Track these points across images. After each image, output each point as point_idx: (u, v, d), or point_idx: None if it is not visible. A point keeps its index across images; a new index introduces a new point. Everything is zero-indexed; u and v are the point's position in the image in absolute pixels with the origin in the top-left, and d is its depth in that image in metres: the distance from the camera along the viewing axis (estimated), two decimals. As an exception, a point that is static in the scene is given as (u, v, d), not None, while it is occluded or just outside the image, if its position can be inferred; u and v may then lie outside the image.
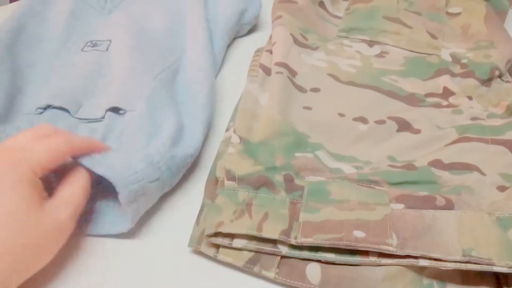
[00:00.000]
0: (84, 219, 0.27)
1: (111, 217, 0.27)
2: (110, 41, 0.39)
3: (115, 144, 0.30)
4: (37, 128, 0.26)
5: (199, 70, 0.36)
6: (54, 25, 0.40)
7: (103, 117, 0.33)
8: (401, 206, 0.26)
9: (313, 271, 0.25)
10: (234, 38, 0.45)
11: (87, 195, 0.26)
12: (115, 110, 0.33)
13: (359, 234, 0.24)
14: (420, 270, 0.24)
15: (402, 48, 0.40)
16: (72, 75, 0.35)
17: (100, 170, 0.25)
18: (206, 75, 0.36)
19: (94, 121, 0.33)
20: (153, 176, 0.27)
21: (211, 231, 0.25)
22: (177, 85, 0.36)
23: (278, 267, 0.25)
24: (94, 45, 0.39)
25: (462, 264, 0.23)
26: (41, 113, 0.33)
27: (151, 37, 0.40)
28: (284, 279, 0.25)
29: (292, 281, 0.24)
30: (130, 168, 0.26)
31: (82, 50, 0.38)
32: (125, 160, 0.26)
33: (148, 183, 0.26)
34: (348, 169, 0.30)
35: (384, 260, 0.24)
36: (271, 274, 0.25)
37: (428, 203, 0.26)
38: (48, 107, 0.33)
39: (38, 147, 0.24)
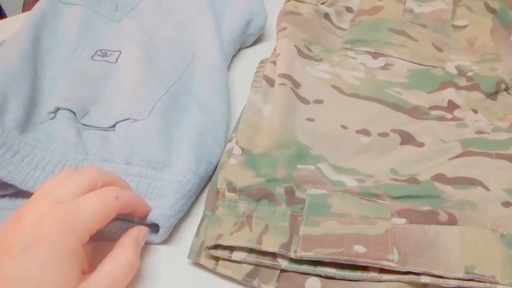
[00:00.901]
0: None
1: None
2: (120, 52, 0.39)
3: (129, 154, 0.30)
4: (85, 173, 0.24)
5: (214, 72, 0.37)
6: (65, 35, 0.40)
7: (111, 127, 0.33)
8: (403, 220, 0.26)
9: (313, 285, 0.24)
10: (239, 49, 0.46)
11: (131, 274, 0.24)
12: (125, 119, 0.33)
13: (359, 249, 0.24)
14: (422, 287, 0.24)
15: (406, 61, 0.40)
16: (81, 81, 0.36)
17: (148, 219, 0.26)
18: (222, 79, 0.36)
19: (104, 129, 0.33)
20: (187, 203, 0.28)
21: (211, 243, 0.25)
22: (193, 89, 0.36)
23: (277, 281, 0.25)
24: (104, 55, 0.39)
25: (465, 281, 0.22)
26: (53, 118, 0.33)
27: (161, 47, 0.40)
28: (283, 293, 0.24)
29: (291, 296, 0.24)
30: (169, 208, 0.27)
31: (91, 58, 0.39)
32: (160, 197, 0.27)
33: (182, 210, 0.28)
34: (350, 182, 0.29)
35: (385, 276, 0.24)
36: (270, 288, 0.25)
37: (430, 218, 0.26)
38: (57, 110, 0.33)
39: (87, 207, 0.22)
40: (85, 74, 0.36)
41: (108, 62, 0.38)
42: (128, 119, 0.32)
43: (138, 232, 0.25)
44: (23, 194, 0.28)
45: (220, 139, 0.32)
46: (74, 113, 0.33)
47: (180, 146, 0.31)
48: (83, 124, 0.33)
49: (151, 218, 0.26)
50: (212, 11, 0.43)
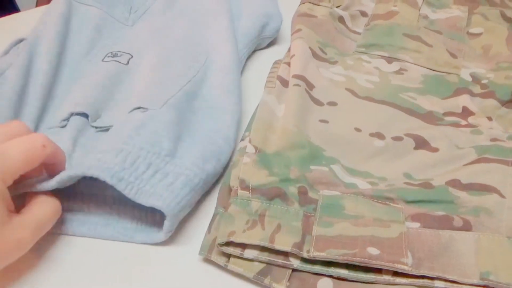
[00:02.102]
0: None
1: (144, 227, 0.28)
2: (131, 56, 0.39)
3: (130, 133, 0.28)
4: (10, 124, 0.25)
5: (226, 73, 0.36)
6: (78, 37, 0.40)
7: None
8: (417, 225, 0.26)
9: (325, 286, 0.24)
10: (253, 51, 0.46)
11: (54, 219, 0.25)
12: (136, 109, 0.32)
13: (373, 251, 0.24)
14: (435, 292, 0.23)
15: (421, 66, 0.40)
16: (92, 84, 0.35)
17: (150, 202, 0.25)
18: (234, 80, 0.36)
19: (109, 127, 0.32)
20: (194, 197, 0.28)
21: (223, 240, 0.25)
22: (204, 91, 0.36)
23: (289, 280, 0.25)
24: (114, 56, 0.39)
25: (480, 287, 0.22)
26: (64, 126, 0.32)
27: (174, 48, 0.39)
28: (295, 293, 0.24)
29: (303, 296, 0.24)
30: (176, 196, 0.26)
31: (102, 60, 0.38)
32: (168, 185, 0.26)
33: (190, 206, 0.27)
34: (363, 184, 0.29)
35: (399, 280, 0.23)
36: (281, 287, 0.24)
37: (445, 223, 0.26)
38: (71, 116, 0.33)
39: (12, 151, 0.23)
40: (96, 77, 0.36)
41: (119, 62, 0.38)
42: (139, 108, 0.32)
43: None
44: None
45: (230, 138, 0.32)
46: (87, 117, 0.33)
47: (188, 143, 0.30)
48: (94, 126, 0.33)
49: (158, 204, 0.25)
50: (227, 13, 0.43)
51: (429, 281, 0.23)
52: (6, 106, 0.31)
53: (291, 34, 0.42)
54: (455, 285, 0.23)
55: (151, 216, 0.28)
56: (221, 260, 0.26)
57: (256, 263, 0.25)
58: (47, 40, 0.37)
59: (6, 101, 0.31)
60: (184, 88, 0.34)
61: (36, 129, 0.33)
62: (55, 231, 0.27)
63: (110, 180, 0.25)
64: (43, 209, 0.25)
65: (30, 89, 0.34)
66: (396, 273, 0.24)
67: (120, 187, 0.25)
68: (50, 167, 0.27)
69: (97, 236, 0.28)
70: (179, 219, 0.27)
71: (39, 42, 0.37)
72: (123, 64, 0.38)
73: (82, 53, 0.39)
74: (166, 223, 0.26)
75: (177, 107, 0.32)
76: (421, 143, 0.32)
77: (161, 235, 0.27)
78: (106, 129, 0.32)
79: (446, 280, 0.23)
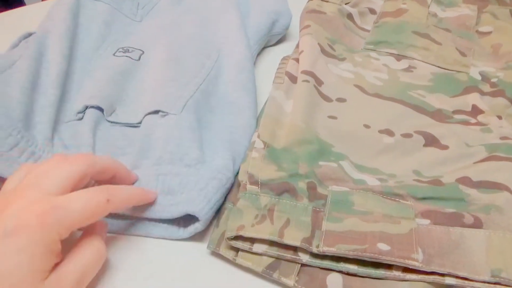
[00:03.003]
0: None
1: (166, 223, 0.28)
2: (143, 51, 0.39)
3: (156, 147, 0.30)
4: (75, 161, 0.23)
5: (240, 70, 0.36)
6: (87, 32, 0.40)
7: (139, 123, 0.32)
8: (427, 221, 0.26)
9: (335, 281, 0.24)
10: (262, 48, 0.46)
11: (99, 264, 0.24)
12: (155, 112, 0.32)
13: (383, 247, 0.24)
14: (445, 289, 0.23)
15: (430, 64, 0.40)
16: (105, 78, 0.35)
17: (184, 210, 0.26)
18: (249, 76, 0.36)
19: (130, 126, 0.32)
20: (222, 199, 0.28)
21: (232, 234, 0.25)
22: (221, 88, 0.36)
23: (297, 275, 0.25)
24: (126, 51, 0.39)
25: (491, 285, 0.22)
26: (81, 118, 0.32)
27: (184, 45, 0.39)
28: (304, 288, 0.24)
29: (311, 291, 0.24)
30: (209, 201, 0.26)
31: (113, 55, 0.38)
32: (200, 190, 0.27)
33: (218, 206, 0.28)
34: (371, 181, 0.29)
35: (409, 276, 0.23)
36: (290, 282, 0.24)
37: (455, 220, 0.25)
38: (85, 109, 0.33)
39: (75, 205, 0.22)
40: (108, 71, 0.36)
41: (131, 58, 0.38)
42: (158, 111, 0.32)
43: (100, 224, 0.25)
44: None
45: (251, 136, 0.32)
46: (102, 111, 0.33)
47: (214, 146, 0.30)
48: (110, 121, 0.33)
49: (191, 209, 0.26)
50: (236, 9, 0.43)
51: (440, 277, 0.23)
52: (20, 92, 0.31)
53: (300, 30, 0.41)
54: (465, 281, 0.22)
55: None
56: (230, 254, 0.26)
57: (265, 258, 0.25)
58: (58, 33, 0.37)
59: (19, 88, 0.31)
60: (201, 87, 0.34)
61: (55, 120, 0.32)
62: None
63: (154, 216, 0.26)
64: (85, 255, 0.23)
65: (44, 79, 0.33)
66: (406, 269, 0.24)
67: (159, 215, 0.26)
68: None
69: (113, 230, 0.27)
70: (209, 221, 0.27)
71: (49, 35, 0.37)
72: (135, 60, 0.38)
73: (92, 48, 0.39)
74: (197, 225, 0.26)
75: (196, 110, 0.32)
76: (430, 141, 0.32)
77: (182, 233, 0.27)
78: (122, 125, 0.32)
79: (456, 277, 0.23)
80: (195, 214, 0.25)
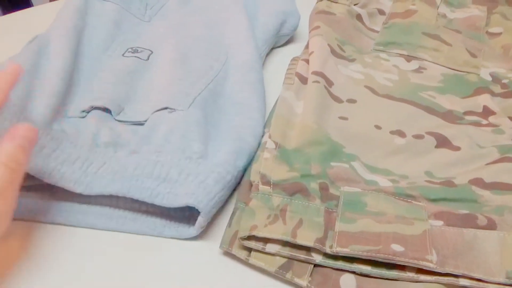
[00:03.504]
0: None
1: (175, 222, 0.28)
2: (151, 51, 0.39)
3: (159, 136, 0.30)
4: None
5: (249, 71, 0.36)
6: (96, 31, 0.40)
7: (146, 120, 0.32)
8: (440, 223, 0.26)
9: (348, 282, 0.24)
10: (270, 49, 0.46)
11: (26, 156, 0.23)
12: (162, 109, 0.32)
13: (397, 248, 0.24)
14: (459, 290, 0.23)
15: (440, 65, 0.40)
16: (113, 79, 0.35)
17: (184, 202, 0.26)
18: (257, 76, 0.36)
19: (137, 123, 0.32)
20: (226, 194, 0.28)
21: (246, 233, 0.25)
22: (228, 89, 0.36)
23: (311, 275, 0.25)
24: (135, 51, 0.39)
25: (506, 286, 0.22)
26: (84, 116, 0.32)
27: (193, 46, 0.39)
28: (317, 288, 0.24)
29: (325, 291, 0.24)
30: (209, 193, 0.26)
31: (122, 55, 0.38)
32: (200, 182, 0.27)
33: (221, 202, 0.28)
34: (383, 182, 0.29)
35: (423, 277, 0.23)
36: (303, 282, 0.24)
37: (468, 221, 0.25)
38: (91, 109, 0.33)
39: None
40: (117, 72, 0.36)
41: (140, 58, 0.38)
42: (166, 108, 0.32)
43: (7, 151, 0.23)
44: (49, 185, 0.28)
45: (258, 134, 0.32)
46: (109, 111, 0.33)
47: (218, 143, 0.30)
48: (118, 120, 0.33)
49: (190, 201, 0.26)
50: (243, 10, 0.43)
51: (454, 278, 0.23)
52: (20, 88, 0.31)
53: (309, 31, 0.42)
54: (480, 283, 0.22)
55: (180, 211, 0.28)
56: (242, 254, 0.26)
57: (278, 258, 0.25)
58: (63, 29, 0.37)
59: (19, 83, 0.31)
60: (209, 86, 0.34)
61: (55, 116, 0.32)
62: (84, 226, 0.28)
63: (148, 199, 0.26)
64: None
65: (45, 70, 0.33)
66: (420, 270, 0.24)
67: (157, 201, 0.26)
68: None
69: (125, 230, 0.28)
70: (212, 215, 0.27)
71: (53, 32, 0.37)
72: (144, 60, 0.38)
73: (101, 47, 0.39)
74: (200, 219, 0.26)
75: (203, 106, 0.32)
76: (442, 142, 0.32)
77: (192, 231, 0.27)
78: (130, 123, 0.32)
79: (471, 278, 0.23)
80: (195, 206, 0.25)
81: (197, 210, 0.26)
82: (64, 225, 0.28)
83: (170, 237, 0.27)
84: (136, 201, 0.28)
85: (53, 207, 0.28)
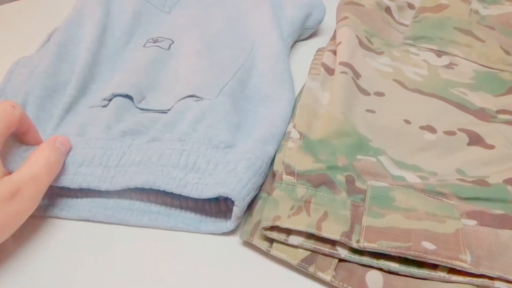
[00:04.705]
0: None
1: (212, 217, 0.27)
2: (172, 41, 0.38)
3: (184, 124, 0.29)
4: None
5: (275, 62, 0.35)
6: (118, 21, 0.39)
7: (169, 109, 0.31)
8: (473, 222, 0.24)
9: (375, 279, 0.23)
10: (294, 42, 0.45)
11: (50, 174, 0.25)
12: (188, 97, 0.31)
13: (428, 245, 0.22)
14: (493, 293, 0.22)
15: (472, 61, 0.38)
16: (135, 67, 0.35)
17: (215, 192, 0.25)
18: (285, 67, 0.35)
19: (160, 112, 0.31)
20: (258, 181, 0.27)
21: (269, 223, 0.24)
22: (255, 79, 0.35)
23: (335, 270, 0.24)
24: (155, 41, 0.38)
25: (545, 291, 0.21)
26: (106, 105, 0.32)
27: (216, 37, 0.38)
28: (341, 284, 0.23)
29: (350, 287, 0.23)
30: (240, 180, 0.25)
31: (143, 46, 0.38)
32: (231, 171, 0.26)
33: (255, 190, 0.27)
34: (411, 178, 0.28)
35: (455, 277, 0.22)
36: (327, 277, 0.23)
37: (504, 222, 0.24)
38: (113, 97, 0.32)
39: None
40: (138, 61, 0.35)
41: (161, 47, 0.37)
42: (192, 96, 0.31)
43: (56, 138, 0.27)
44: None
45: (287, 119, 0.31)
46: (131, 99, 0.32)
47: (246, 131, 0.29)
48: (140, 108, 0.32)
49: (222, 190, 0.24)
50: (267, 2, 0.42)
51: (489, 280, 0.22)
52: (46, 78, 0.31)
53: (337, 22, 0.40)
54: (517, 287, 0.21)
55: (215, 205, 0.27)
56: (264, 245, 0.25)
57: (301, 250, 0.24)
58: (89, 20, 0.37)
59: (45, 75, 0.31)
60: (236, 75, 0.33)
61: (76, 106, 0.32)
62: (113, 222, 0.27)
63: (175, 190, 0.25)
64: (36, 163, 0.24)
65: (71, 66, 0.33)
66: (451, 270, 0.22)
67: (186, 192, 0.25)
68: (24, 137, 0.27)
69: (158, 226, 0.27)
70: (247, 204, 0.26)
71: (80, 21, 0.37)
72: (165, 49, 0.37)
73: (123, 39, 0.39)
74: (235, 209, 0.25)
75: (231, 96, 0.31)
76: (475, 139, 0.30)
77: (229, 224, 0.26)
78: (153, 112, 0.32)
79: (508, 281, 0.21)
80: (227, 195, 0.24)
81: (231, 201, 0.25)
82: (92, 221, 0.27)
83: (207, 232, 0.26)
84: (168, 195, 0.27)
85: (80, 204, 0.27)
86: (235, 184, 0.25)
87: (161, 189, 0.25)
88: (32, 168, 0.24)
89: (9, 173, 0.24)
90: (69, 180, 0.26)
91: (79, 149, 0.28)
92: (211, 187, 0.25)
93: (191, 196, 0.25)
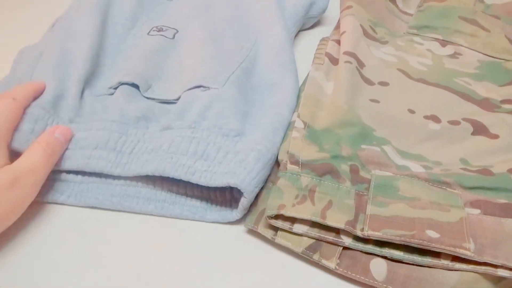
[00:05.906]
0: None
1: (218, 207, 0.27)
2: (177, 30, 0.38)
3: (194, 112, 0.29)
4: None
5: (279, 51, 0.35)
6: (121, 9, 0.39)
7: (176, 99, 0.31)
8: (477, 211, 0.25)
9: (378, 267, 0.23)
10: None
11: (35, 176, 0.25)
12: (195, 87, 0.31)
13: (432, 234, 0.23)
14: (496, 280, 0.22)
15: (477, 51, 0.38)
16: (140, 56, 0.35)
17: (224, 182, 0.25)
18: (289, 56, 0.35)
19: (168, 102, 0.31)
20: (267, 172, 0.27)
21: (273, 212, 0.24)
22: (260, 68, 0.35)
23: (339, 257, 0.24)
24: (160, 30, 0.38)
25: (548, 279, 0.21)
26: (112, 93, 0.32)
27: (221, 27, 0.38)
28: (345, 271, 0.23)
29: (354, 274, 0.23)
30: (250, 171, 0.25)
31: (148, 34, 0.38)
32: (241, 161, 0.26)
33: (263, 181, 0.27)
34: (416, 167, 0.28)
35: (458, 265, 0.22)
36: (331, 265, 0.24)
37: (507, 211, 0.24)
38: (119, 85, 0.32)
39: None
40: (143, 49, 0.35)
41: (165, 37, 0.37)
42: (199, 86, 0.31)
43: (56, 128, 0.27)
44: None
45: (293, 108, 0.31)
46: (137, 87, 0.32)
47: (254, 120, 0.29)
48: (146, 97, 0.32)
49: (232, 181, 0.24)
50: None
51: (492, 268, 0.22)
52: (52, 69, 0.31)
53: (341, 11, 0.40)
54: (520, 275, 0.21)
55: (221, 194, 0.27)
56: (268, 233, 0.25)
57: (305, 239, 0.25)
58: (89, 8, 0.37)
59: (51, 66, 0.31)
60: (242, 65, 0.33)
61: (83, 94, 0.32)
62: (119, 209, 0.27)
63: (184, 177, 0.25)
64: (34, 154, 0.25)
65: (75, 52, 0.33)
66: (455, 258, 0.23)
67: (194, 179, 0.25)
68: None
69: (164, 214, 0.27)
70: (254, 195, 0.26)
71: (77, 13, 0.37)
72: (169, 38, 0.37)
73: (126, 26, 0.38)
74: (243, 200, 0.25)
75: (238, 85, 0.31)
76: (479, 129, 0.30)
77: (235, 214, 0.26)
78: (159, 101, 0.31)
79: (510, 269, 0.22)
80: (237, 186, 0.24)
81: (238, 191, 0.25)
82: (99, 208, 0.27)
83: (213, 221, 0.27)
84: (174, 183, 0.27)
85: (87, 191, 0.27)
86: (245, 176, 0.25)
87: (170, 176, 0.25)
88: (31, 158, 0.25)
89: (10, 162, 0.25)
90: (84, 164, 0.27)
91: (94, 130, 0.28)
92: (220, 176, 0.25)
93: (200, 183, 0.25)
